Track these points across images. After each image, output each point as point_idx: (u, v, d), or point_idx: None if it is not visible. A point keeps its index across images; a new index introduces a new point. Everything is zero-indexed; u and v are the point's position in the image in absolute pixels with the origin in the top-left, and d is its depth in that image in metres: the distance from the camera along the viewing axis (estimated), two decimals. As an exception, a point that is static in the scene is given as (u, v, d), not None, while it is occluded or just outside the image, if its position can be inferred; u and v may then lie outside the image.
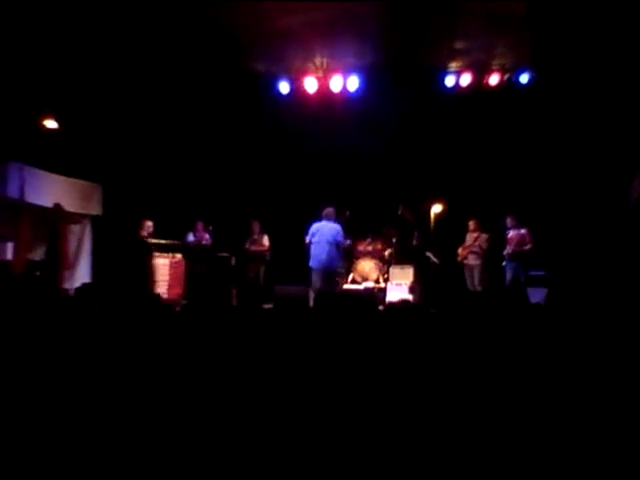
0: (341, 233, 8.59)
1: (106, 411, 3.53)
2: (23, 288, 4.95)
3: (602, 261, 9.15)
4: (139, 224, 9.64)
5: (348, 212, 9.34)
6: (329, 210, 8.70)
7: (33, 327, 3.98)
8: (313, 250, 8.54)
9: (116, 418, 3.56)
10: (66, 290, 8.34)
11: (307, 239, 8.58)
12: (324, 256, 8.46)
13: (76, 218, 9.70)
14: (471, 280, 9.71)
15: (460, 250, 9.87)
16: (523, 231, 9.28)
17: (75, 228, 10.00)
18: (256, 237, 10.44)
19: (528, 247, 9.21)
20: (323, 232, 8.53)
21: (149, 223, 9.71)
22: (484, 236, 9.69)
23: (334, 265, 8.70)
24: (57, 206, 9.24)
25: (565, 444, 2.97)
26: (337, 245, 8.57)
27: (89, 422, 3.52)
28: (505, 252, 9.39)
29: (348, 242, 9.06)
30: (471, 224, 9.89)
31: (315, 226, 8.61)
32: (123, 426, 3.57)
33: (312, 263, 8.55)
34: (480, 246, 9.69)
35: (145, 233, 9.61)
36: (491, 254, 9.67)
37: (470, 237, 9.86)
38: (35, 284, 5.19)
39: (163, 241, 9.84)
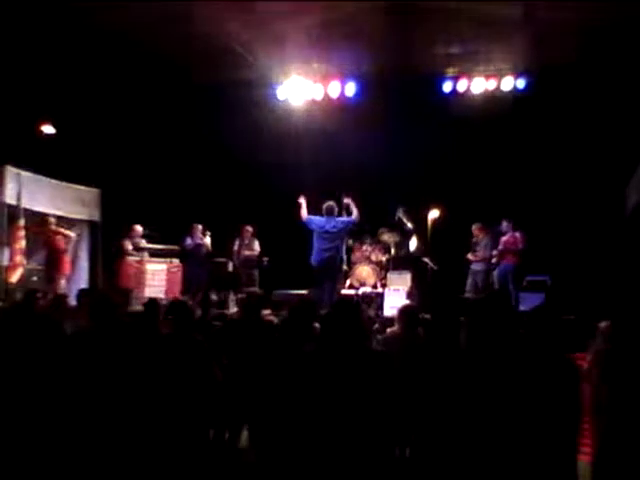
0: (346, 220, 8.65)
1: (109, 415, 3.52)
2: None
3: (599, 268, 9.16)
4: (128, 229, 9.66)
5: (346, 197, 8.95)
6: (330, 205, 8.62)
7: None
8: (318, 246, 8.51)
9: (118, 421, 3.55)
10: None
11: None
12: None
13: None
14: (473, 286, 9.65)
15: (469, 255, 9.80)
16: (517, 234, 9.25)
17: (72, 234, 9.96)
18: (247, 242, 10.43)
19: (518, 247, 9.16)
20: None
21: (139, 228, 9.71)
22: (484, 242, 9.63)
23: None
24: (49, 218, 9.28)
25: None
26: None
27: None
28: (494, 253, 9.36)
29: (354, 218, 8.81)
30: (474, 229, 9.81)
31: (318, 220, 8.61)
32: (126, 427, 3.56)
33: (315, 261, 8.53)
34: (482, 252, 9.63)
35: (135, 238, 9.62)
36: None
37: (474, 242, 9.81)
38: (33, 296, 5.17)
39: (160, 246, 9.83)
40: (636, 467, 2.88)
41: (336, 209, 8.63)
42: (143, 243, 9.70)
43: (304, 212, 8.68)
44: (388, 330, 5.16)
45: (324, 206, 8.62)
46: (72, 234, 9.56)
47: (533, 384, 2.94)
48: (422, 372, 3.26)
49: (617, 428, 2.97)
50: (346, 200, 8.74)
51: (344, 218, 8.68)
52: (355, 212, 8.68)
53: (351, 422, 3.02)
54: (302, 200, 8.73)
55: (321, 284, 8.47)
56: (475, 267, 9.67)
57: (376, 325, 5.38)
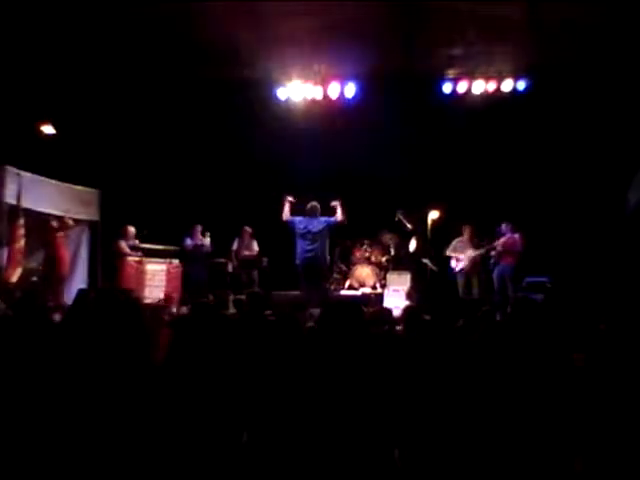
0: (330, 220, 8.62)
1: (106, 420, 3.52)
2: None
3: (599, 268, 9.17)
4: (122, 232, 9.68)
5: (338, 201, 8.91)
6: (313, 205, 8.66)
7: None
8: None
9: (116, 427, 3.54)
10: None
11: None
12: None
13: (72, 225, 9.69)
14: (466, 287, 9.67)
15: (453, 255, 9.80)
16: (516, 235, 9.29)
17: (72, 234, 9.98)
18: (246, 242, 10.45)
19: (516, 249, 9.22)
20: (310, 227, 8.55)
21: (132, 230, 9.73)
22: (478, 253, 9.63)
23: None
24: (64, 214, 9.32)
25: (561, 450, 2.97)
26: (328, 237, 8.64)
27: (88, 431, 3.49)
28: (492, 253, 9.40)
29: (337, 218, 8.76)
30: (466, 232, 9.83)
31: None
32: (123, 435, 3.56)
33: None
34: (475, 260, 9.66)
35: (129, 240, 9.64)
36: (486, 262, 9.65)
37: (463, 244, 9.81)
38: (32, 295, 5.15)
39: (160, 246, 9.84)
40: (620, 466, 2.90)
41: (319, 209, 8.70)
42: (137, 243, 9.74)
43: (286, 212, 8.73)
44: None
45: (307, 206, 8.70)
46: (71, 222, 9.62)
47: (533, 384, 2.94)
48: (424, 372, 3.27)
49: (603, 428, 2.98)
50: (334, 203, 8.79)
51: (326, 218, 8.72)
52: (339, 213, 8.72)
53: (350, 421, 3.03)
54: (290, 199, 8.79)
55: (308, 285, 8.55)
56: (467, 269, 9.71)
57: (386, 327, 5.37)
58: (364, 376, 3.15)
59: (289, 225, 8.70)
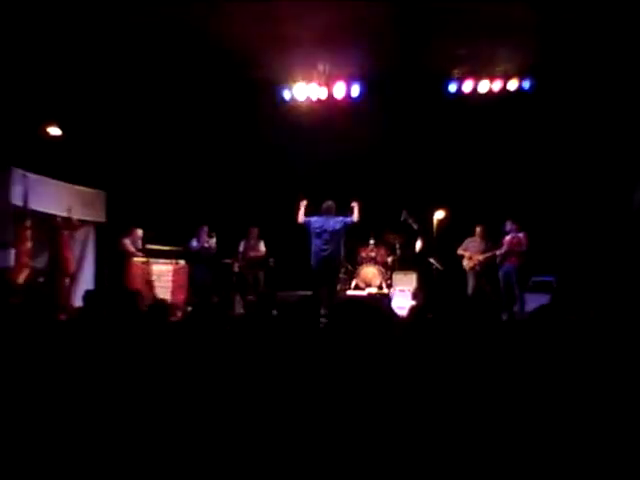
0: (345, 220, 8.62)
1: (109, 423, 3.52)
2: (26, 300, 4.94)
3: (605, 266, 9.14)
4: (128, 232, 9.71)
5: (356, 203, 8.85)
6: (329, 204, 8.66)
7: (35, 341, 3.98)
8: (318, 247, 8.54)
9: (119, 429, 3.54)
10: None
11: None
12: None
13: (78, 224, 9.74)
14: (476, 286, 9.67)
15: (465, 254, 9.78)
16: (520, 235, 9.28)
17: (78, 235, 10.02)
18: (253, 243, 10.44)
19: (522, 249, 9.21)
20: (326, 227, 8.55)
21: (139, 231, 9.76)
22: (485, 256, 9.63)
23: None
24: (67, 214, 9.40)
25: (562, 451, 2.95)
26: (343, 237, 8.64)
27: (92, 434, 3.50)
28: (498, 252, 9.40)
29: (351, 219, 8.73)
30: (478, 231, 9.81)
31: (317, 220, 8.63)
32: (124, 437, 3.56)
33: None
34: (482, 262, 9.67)
35: (136, 241, 9.67)
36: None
37: (475, 244, 9.80)
38: (38, 296, 5.15)
39: (166, 247, 9.87)
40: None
41: (334, 208, 8.68)
42: (140, 245, 9.78)
43: (301, 215, 8.71)
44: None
45: (323, 205, 8.68)
46: (77, 221, 9.70)
47: (536, 387, 2.93)
48: (429, 372, 3.25)
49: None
50: (353, 203, 8.76)
51: (342, 217, 8.68)
52: (356, 214, 8.68)
53: (355, 421, 3.02)
54: (304, 203, 8.76)
55: (321, 285, 8.51)
56: (476, 268, 9.71)
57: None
58: (374, 374, 3.14)
59: (305, 226, 8.66)
